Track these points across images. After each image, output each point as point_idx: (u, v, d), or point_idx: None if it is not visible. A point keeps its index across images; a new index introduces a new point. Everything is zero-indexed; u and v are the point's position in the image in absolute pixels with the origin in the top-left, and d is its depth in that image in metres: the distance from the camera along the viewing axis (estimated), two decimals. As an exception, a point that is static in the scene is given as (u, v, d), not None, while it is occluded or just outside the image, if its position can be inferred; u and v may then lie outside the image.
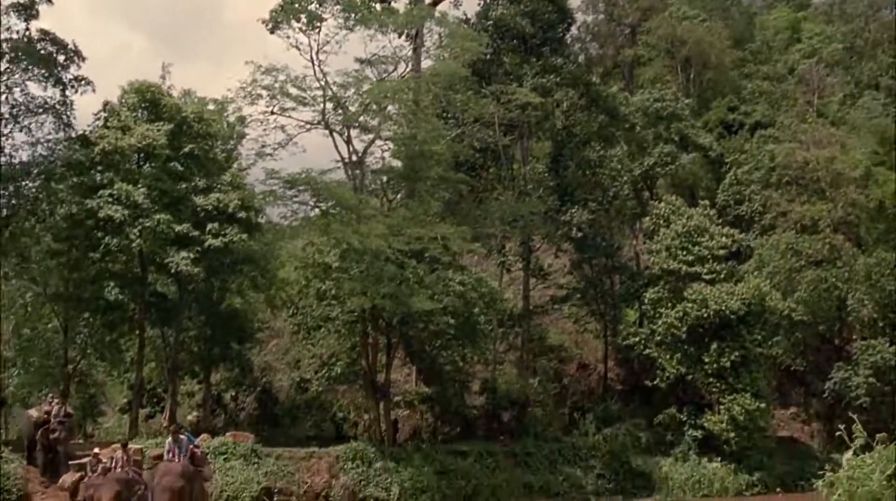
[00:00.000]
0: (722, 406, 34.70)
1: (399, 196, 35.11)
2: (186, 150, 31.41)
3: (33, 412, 26.01)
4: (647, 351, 36.83)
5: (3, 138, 29.42)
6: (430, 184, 34.00)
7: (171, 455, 16.80)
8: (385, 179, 34.73)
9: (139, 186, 29.73)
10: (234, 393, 39.45)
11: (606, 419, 36.48)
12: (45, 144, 30.12)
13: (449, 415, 36.41)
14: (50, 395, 28.67)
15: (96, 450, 22.23)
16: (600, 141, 40.37)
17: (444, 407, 36.01)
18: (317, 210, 32.88)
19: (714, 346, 34.90)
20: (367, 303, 29.49)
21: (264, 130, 31.82)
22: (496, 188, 38.86)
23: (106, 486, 17.91)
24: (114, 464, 19.48)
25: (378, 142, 33.36)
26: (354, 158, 32.65)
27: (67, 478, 23.13)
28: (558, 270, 43.28)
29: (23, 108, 29.62)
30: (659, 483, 33.88)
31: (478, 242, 35.43)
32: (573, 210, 37.60)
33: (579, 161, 39.37)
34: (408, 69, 34.35)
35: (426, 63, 36.06)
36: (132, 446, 21.55)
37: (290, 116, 31.86)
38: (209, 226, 30.22)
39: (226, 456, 27.71)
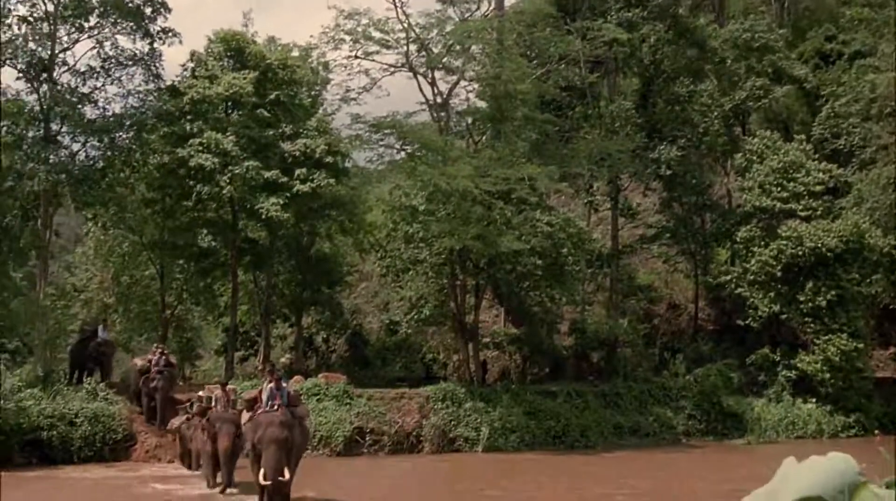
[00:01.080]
0: (817, 347, 33.77)
1: (485, 137, 34.82)
2: (272, 97, 31.59)
3: (138, 361, 27.16)
4: (739, 290, 36.01)
5: (97, 92, 30.20)
6: (516, 124, 33.57)
7: (272, 402, 16.89)
8: (470, 120, 34.51)
9: (228, 134, 30.05)
10: (325, 336, 40.19)
11: (697, 360, 36.02)
12: (137, 96, 30.80)
13: (538, 356, 36.47)
14: (155, 344, 29.70)
15: (201, 393, 22.97)
16: (689, 75, 39.16)
17: (532, 348, 36.07)
18: (403, 153, 32.95)
19: (809, 285, 33.89)
20: (455, 245, 29.49)
21: (348, 74, 32.05)
22: (583, 127, 38.22)
23: (224, 428, 18.29)
24: (214, 403, 20.05)
25: (462, 83, 33.12)
26: (439, 100, 32.51)
27: (175, 421, 23.98)
28: (647, 209, 42.52)
29: (113, 61, 30.28)
30: (751, 424, 33.31)
31: (565, 181, 34.98)
32: (662, 147, 36.73)
33: (668, 97, 38.33)
34: (491, 8, 33.84)
35: (509, 1, 35.54)
36: (229, 386, 22.20)
37: (373, 60, 31.88)
38: (297, 172, 30.40)
39: (318, 397, 28.27)
